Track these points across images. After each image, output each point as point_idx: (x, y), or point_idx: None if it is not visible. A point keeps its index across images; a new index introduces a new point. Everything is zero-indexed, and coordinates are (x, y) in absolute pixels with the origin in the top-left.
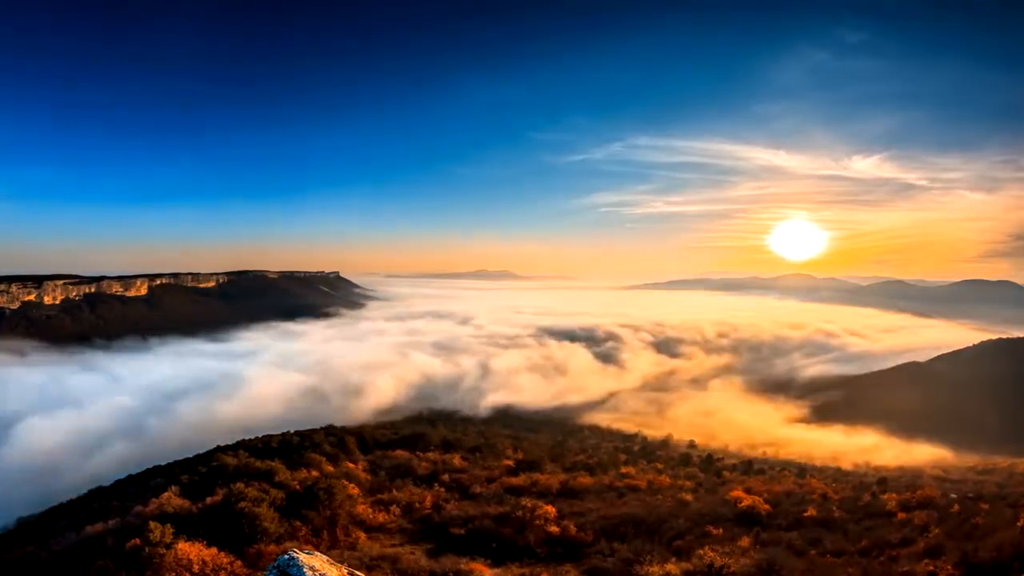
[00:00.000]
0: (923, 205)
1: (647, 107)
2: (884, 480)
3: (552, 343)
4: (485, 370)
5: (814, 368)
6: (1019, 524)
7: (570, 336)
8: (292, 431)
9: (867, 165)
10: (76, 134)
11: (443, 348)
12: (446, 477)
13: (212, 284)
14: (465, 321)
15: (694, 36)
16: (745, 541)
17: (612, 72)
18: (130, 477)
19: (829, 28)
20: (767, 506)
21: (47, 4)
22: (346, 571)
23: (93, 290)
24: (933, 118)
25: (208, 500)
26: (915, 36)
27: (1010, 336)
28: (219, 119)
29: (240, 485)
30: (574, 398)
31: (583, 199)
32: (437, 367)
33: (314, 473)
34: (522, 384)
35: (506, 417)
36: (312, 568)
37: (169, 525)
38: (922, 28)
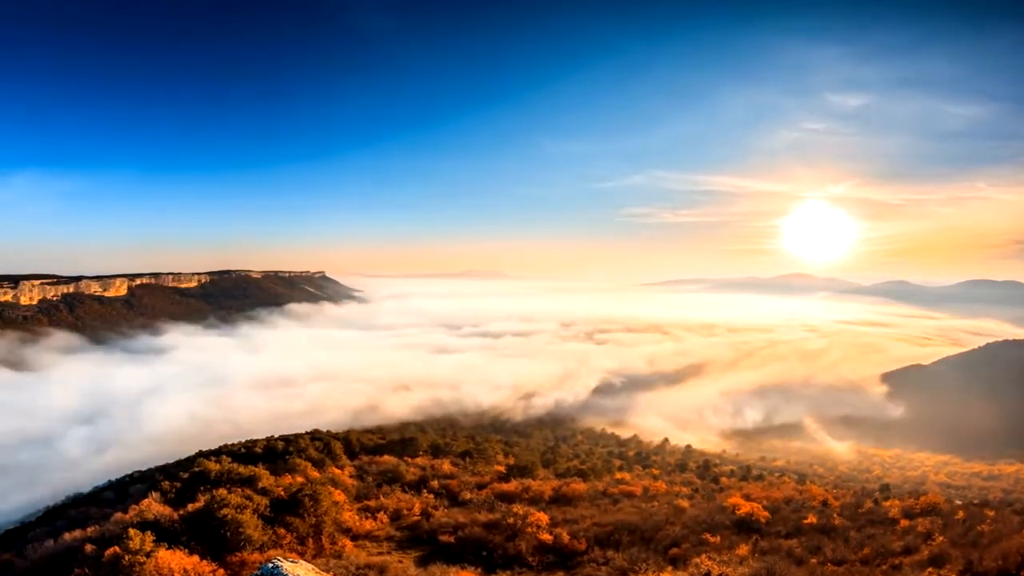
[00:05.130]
0: (907, 215)
1: (667, 155)
2: (887, 486)
3: (550, 343)
4: (474, 370)
5: (812, 369)
6: None
7: (568, 336)
8: (276, 436)
9: (841, 190)
10: (58, 132)
11: (434, 348)
12: (435, 483)
13: (193, 284)
14: (452, 320)
15: (699, 125)
16: (743, 549)
17: (647, 137)
18: (109, 483)
19: (797, 121)
20: (766, 513)
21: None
22: None
23: (71, 290)
24: (889, 169)
25: (190, 507)
26: (868, 119)
27: (1016, 338)
28: (214, 117)
29: (222, 491)
30: (571, 399)
31: (602, 211)
32: (419, 366)
33: (299, 479)
34: (517, 384)
35: (501, 420)
36: None
37: (149, 532)
38: (874, 119)
